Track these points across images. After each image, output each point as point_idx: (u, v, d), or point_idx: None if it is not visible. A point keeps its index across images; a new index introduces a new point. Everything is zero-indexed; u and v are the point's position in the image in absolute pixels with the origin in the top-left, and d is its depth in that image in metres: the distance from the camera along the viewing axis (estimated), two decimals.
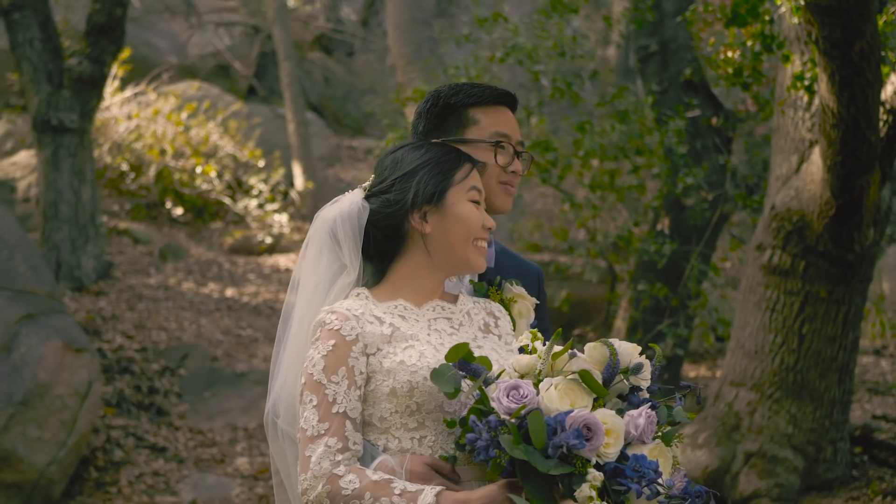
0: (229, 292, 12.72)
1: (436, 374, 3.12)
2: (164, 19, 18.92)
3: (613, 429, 3.04)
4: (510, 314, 3.61)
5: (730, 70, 7.37)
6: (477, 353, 3.26)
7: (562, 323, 12.48)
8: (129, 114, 14.99)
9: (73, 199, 12.15)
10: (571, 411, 3.01)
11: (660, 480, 3.03)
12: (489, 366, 3.14)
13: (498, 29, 11.82)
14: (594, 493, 2.95)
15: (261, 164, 15.11)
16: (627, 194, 10.68)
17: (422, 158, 3.41)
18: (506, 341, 3.45)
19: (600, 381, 3.14)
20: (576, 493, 2.97)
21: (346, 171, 17.54)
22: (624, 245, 10.33)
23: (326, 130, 18.14)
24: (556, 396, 3.05)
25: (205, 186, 14.82)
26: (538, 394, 3.08)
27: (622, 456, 3.06)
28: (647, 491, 3.00)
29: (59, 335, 9.18)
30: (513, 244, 13.30)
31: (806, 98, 8.03)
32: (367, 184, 3.49)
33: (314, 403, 3.20)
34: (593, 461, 3.00)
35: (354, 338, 3.23)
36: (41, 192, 12.19)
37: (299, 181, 15.36)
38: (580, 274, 10.72)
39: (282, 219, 14.37)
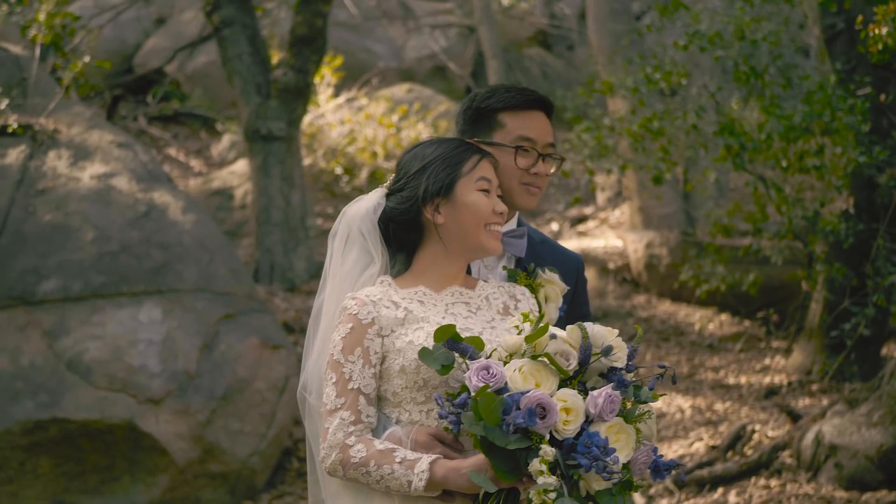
0: None
1: (423, 353, 3.41)
2: (382, 25, 19.48)
3: (573, 407, 3.27)
4: (536, 298, 3.83)
5: (879, 46, 7.25)
6: (489, 335, 3.54)
7: (751, 307, 12.40)
8: (342, 119, 15.57)
9: (283, 203, 12.74)
10: (527, 392, 3.23)
11: (608, 459, 3.20)
12: (480, 345, 3.38)
13: (686, 16, 11.79)
14: (545, 468, 3.18)
15: None
16: (817, 174, 10.55)
17: (432, 155, 3.71)
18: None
19: (577, 362, 3.33)
20: (529, 467, 3.20)
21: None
22: (810, 226, 10.22)
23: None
24: (520, 378, 3.29)
25: None
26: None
27: (584, 433, 3.25)
28: (594, 466, 3.18)
29: (257, 333, 9.70)
30: (704, 227, 13.23)
31: None
32: (388, 182, 3.77)
33: (333, 380, 3.55)
34: (547, 437, 3.22)
35: (370, 321, 3.56)
36: (254, 198, 12.84)
37: None
38: (769, 257, 10.65)
39: None
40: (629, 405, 3.38)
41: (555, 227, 15.08)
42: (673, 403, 10.24)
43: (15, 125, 10.81)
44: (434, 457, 3.39)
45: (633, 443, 3.33)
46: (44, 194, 10.19)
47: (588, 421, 3.29)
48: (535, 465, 3.19)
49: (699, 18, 10.99)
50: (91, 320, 9.40)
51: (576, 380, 3.37)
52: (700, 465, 8.92)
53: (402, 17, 19.41)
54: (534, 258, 3.97)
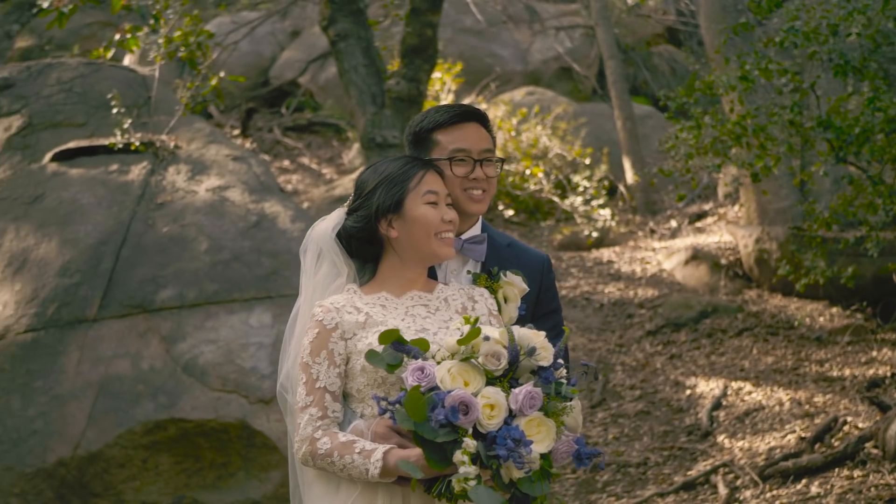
0: None
1: (370, 354, 3.80)
2: (508, 28, 19.80)
3: (496, 403, 3.64)
4: (496, 298, 4.19)
5: None
6: (444, 334, 3.90)
7: (850, 300, 12.37)
8: None
9: None
10: (452, 391, 3.61)
11: (523, 450, 3.56)
12: (425, 346, 3.73)
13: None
14: (467, 458, 3.55)
15: (587, 161, 15.69)
16: None
17: (381, 176, 4.10)
18: (480, 321, 3.96)
19: (507, 361, 3.67)
20: (453, 458, 3.57)
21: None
22: None
23: (667, 122, 18.39)
24: (449, 378, 3.65)
25: (536, 187, 15.56)
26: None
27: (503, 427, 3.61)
28: (511, 457, 3.55)
29: None
30: (800, 221, 13.16)
31: None
32: (348, 202, 4.16)
33: (303, 381, 3.96)
34: (470, 430, 3.58)
35: (334, 326, 3.96)
36: None
37: (629, 175, 15.84)
38: (868, 249, 10.66)
39: (606, 213, 14.89)
40: (557, 401, 3.71)
41: (673, 223, 15.23)
42: (773, 396, 10.37)
43: (138, 143, 11.44)
44: (388, 447, 3.77)
45: (553, 434, 3.68)
46: (162, 207, 10.78)
47: (512, 415, 3.64)
48: (458, 456, 3.57)
49: (794, 15, 11.03)
50: (205, 326, 9.92)
51: (507, 377, 3.72)
52: (785, 457, 9.05)
53: (527, 21, 19.70)
54: (498, 262, 4.32)
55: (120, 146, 11.42)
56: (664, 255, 13.99)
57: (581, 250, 14.81)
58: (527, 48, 19.71)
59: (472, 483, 3.55)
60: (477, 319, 3.79)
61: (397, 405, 3.66)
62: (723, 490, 8.82)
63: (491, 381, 3.71)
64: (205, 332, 9.87)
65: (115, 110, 11.67)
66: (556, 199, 15.53)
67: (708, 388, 10.68)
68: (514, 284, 4.25)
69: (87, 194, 10.94)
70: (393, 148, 13.13)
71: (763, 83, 11.40)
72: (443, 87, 16.28)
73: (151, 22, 12.87)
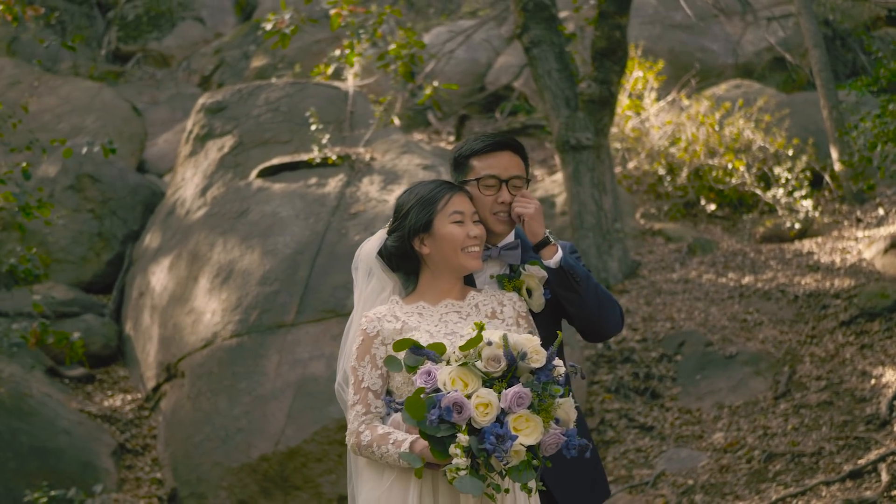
0: (746, 280, 13.47)
1: (388, 360, 4.33)
2: (718, 22, 19.81)
3: (489, 403, 4.11)
4: (522, 292, 4.71)
5: None
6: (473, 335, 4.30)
7: None
8: (664, 121, 16.17)
9: (594, 208, 13.53)
10: (448, 392, 4.10)
11: (503, 445, 4.03)
12: (441, 350, 4.20)
13: None
14: (460, 451, 4.05)
15: (790, 152, 15.64)
16: None
17: (413, 199, 4.67)
18: (507, 324, 4.58)
19: (506, 364, 4.13)
20: (449, 450, 4.06)
21: None
22: None
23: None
24: (449, 381, 4.15)
25: (739, 181, 15.62)
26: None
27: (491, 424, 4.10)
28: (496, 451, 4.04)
29: None
30: None
31: None
32: (388, 224, 4.76)
33: (352, 382, 4.54)
34: (463, 426, 4.07)
35: (375, 333, 4.53)
36: (568, 205, 13.70)
37: (837, 165, 15.70)
38: None
39: (808, 204, 14.82)
40: (547, 398, 4.13)
41: (881, 212, 15.04)
42: None
43: (334, 157, 12.20)
44: (415, 437, 4.29)
45: (540, 429, 4.12)
46: (355, 217, 11.49)
47: (504, 413, 4.08)
48: (452, 449, 4.07)
49: None
50: None
51: (506, 378, 4.17)
52: None
53: (739, 13, 19.67)
54: (523, 261, 4.79)
55: (318, 161, 12.20)
56: (865, 244, 13.89)
57: (784, 242, 14.80)
58: (738, 40, 19.70)
59: (463, 473, 4.02)
60: (482, 326, 4.22)
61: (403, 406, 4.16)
62: (885, 478, 8.88)
63: (491, 381, 4.16)
64: None
65: (313, 127, 12.46)
66: (758, 191, 15.55)
67: (894, 377, 10.66)
68: (534, 274, 4.73)
69: (286, 207, 11.76)
70: (587, 149, 13.50)
71: None
72: (645, 85, 16.52)
73: (366, 36, 13.56)
